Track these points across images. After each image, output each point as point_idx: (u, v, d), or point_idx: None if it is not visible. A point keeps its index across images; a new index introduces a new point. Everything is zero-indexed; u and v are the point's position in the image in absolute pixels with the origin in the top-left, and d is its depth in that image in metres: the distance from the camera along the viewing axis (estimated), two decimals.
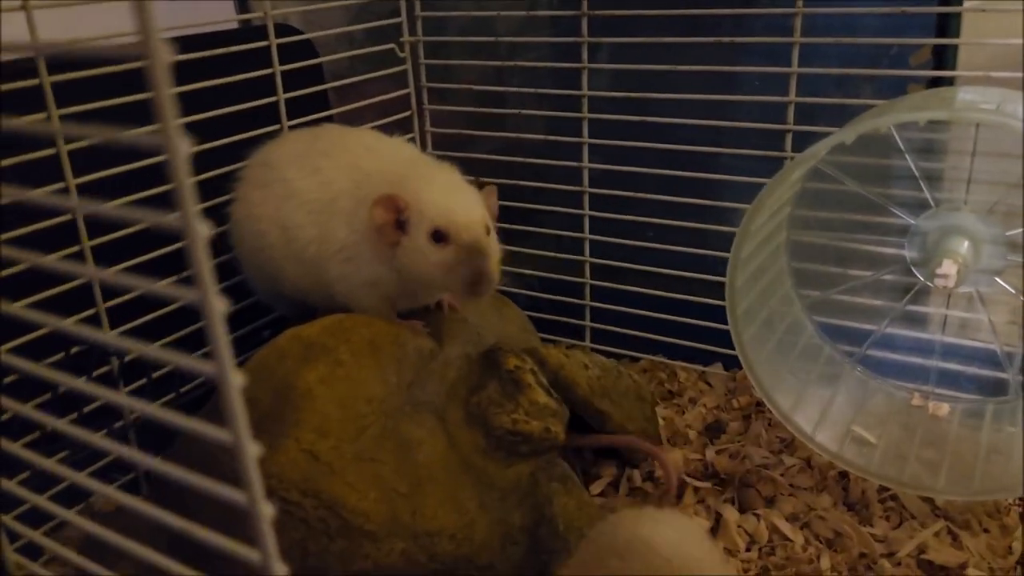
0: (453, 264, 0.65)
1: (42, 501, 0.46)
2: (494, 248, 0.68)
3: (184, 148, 0.26)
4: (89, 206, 0.34)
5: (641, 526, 0.53)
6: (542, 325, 0.96)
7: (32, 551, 0.58)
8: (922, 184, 0.76)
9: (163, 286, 0.30)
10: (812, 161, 0.70)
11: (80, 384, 0.37)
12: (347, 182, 0.71)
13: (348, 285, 0.71)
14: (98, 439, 0.39)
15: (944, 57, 0.79)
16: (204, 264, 0.27)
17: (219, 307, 0.28)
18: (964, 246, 0.74)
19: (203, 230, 0.27)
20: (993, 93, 0.69)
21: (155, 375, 0.76)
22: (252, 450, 0.30)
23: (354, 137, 0.80)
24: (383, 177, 0.70)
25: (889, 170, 0.78)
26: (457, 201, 0.67)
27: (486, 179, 1.02)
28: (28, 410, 0.42)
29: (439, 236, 0.66)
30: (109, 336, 0.34)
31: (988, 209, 0.74)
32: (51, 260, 0.37)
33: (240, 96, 0.83)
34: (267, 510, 0.31)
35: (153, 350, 0.32)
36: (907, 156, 0.76)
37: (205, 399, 0.69)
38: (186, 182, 0.27)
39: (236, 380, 0.29)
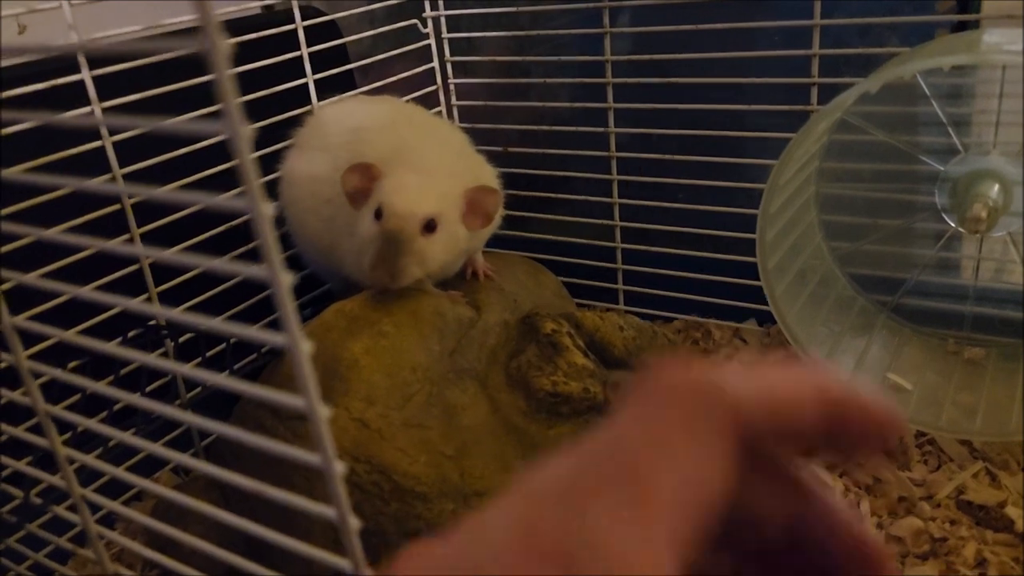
0: (371, 244, 0.66)
1: (120, 472, 0.49)
2: (424, 247, 0.66)
3: (246, 131, 0.28)
4: (138, 189, 0.35)
5: None
6: (576, 290, 0.97)
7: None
8: (950, 130, 0.76)
9: (232, 263, 0.31)
10: (838, 112, 0.70)
11: (144, 357, 0.40)
12: (369, 148, 0.73)
13: (355, 259, 0.72)
14: (168, 409, 0.41)
15: (969, 1, 0.78)
16: (270, 240, 0.29)
17: (286, 280, 0.30)
18: (994, 189, 0.74)
19: (268, 209, 0.29)
20: (1019, 34, 0.68)
21: (209, 354, 0.79)
22: (323, 412, 0.32)
23: (404, 111, 0.82)
24: (388, 149, 0.72)
25: (916, 117, 0.78)
26: (409, 187, 0.67)
27: (514, 149, 1.04)
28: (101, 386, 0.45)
29: (377, 214, 0.67)
30: (176, 313, 0.36)
31: (1017, 151, 0.74)
32: (110, 245, 0.39)
33: (265, 80, 0.85)
34: (339, 468, 0.33)
35: (220, 324, 0.34)
36: (934, 102, 0.76)
37: (253, 377, 0.72)
38: (249, 163, 0.28)
39: (305, 347, 0.31)
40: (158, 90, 0.74)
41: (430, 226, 0.67)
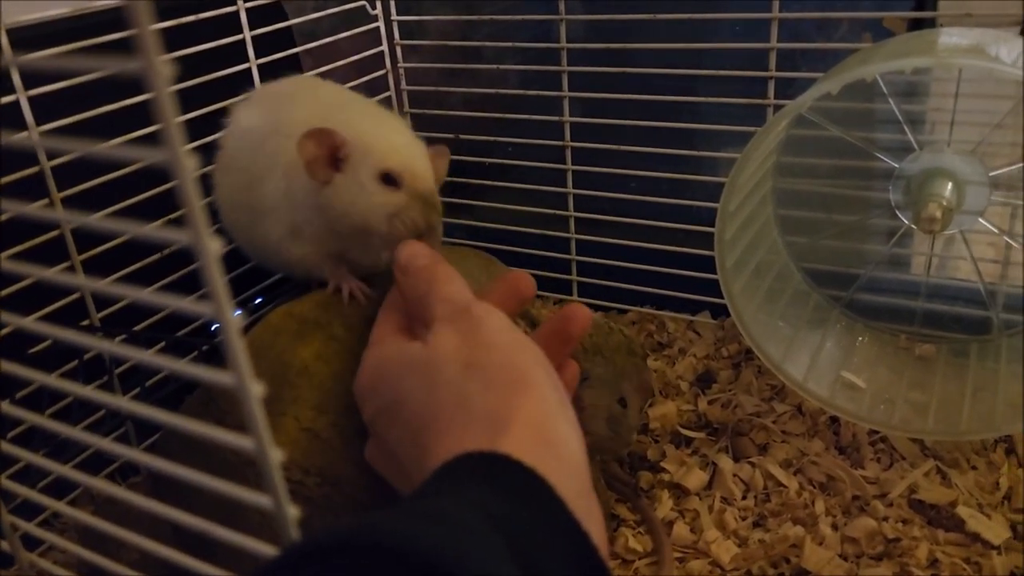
0: (401, 211, 0.59)
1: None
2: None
3: (166, 71, 0.25)
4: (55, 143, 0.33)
5: None
6: None
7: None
8: (905, 127, 0.76)
9: (155, 229, 0.29)
10: (796, 111, 0.69)
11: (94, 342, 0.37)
12: (282, 120, 0.66)
13: (275, 240, 0.66)
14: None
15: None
16: (196, 204, 0.27)
17: (213, 248, 0.27)
18: (948, 188, 0.74)
19: (191, 164, 0.26)
20: (974, 34, 0.68)
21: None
22: (255, 390, 0.30)
23: (320, 88, 0.77)
24: (319, 116, 0.63)
25: (872, 114, 0.78)
26: (412, 146, 0.62)
27: (465, 136, 1.01)
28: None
29: (390, 179, 0.59)
30: (103, 285, 0.34)
31: (971, 150, 0.74)
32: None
33: (207, 63, 0.80)
34: (276, 455, 0.31)
35: (149, 295, 0.31)
36: (890, 100, 0.76)
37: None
38: (171, 114, 0.26)
39: (234, 320, 0.29)
40: (78, 43, 0.70)
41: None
